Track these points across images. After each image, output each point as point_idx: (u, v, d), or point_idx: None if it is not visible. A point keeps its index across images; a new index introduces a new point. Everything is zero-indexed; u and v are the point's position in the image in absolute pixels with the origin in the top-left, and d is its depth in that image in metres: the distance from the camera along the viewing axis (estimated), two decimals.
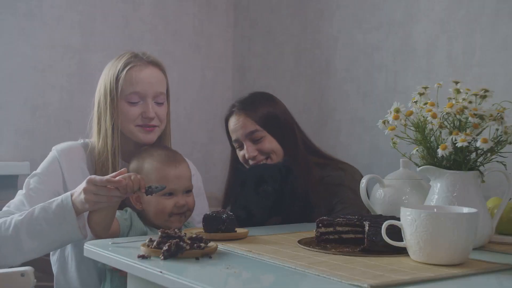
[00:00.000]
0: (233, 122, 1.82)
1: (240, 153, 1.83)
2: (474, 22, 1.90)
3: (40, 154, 2.37)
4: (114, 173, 1.38)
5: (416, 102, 1.35)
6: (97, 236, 1.40)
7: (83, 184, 1.37)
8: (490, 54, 1.85)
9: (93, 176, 1.36)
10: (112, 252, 1.18)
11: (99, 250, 1.22)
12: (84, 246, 1.27)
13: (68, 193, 1.41)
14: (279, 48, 2.68)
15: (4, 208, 1.54)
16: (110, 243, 1.26)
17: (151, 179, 1.49)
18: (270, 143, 1.79)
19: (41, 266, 1.79)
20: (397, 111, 1.33)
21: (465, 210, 1.13)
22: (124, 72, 1.59)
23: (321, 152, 1.90)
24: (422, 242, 1.06)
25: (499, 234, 1.39)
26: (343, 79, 2.35)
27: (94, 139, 1.65)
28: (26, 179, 1.59)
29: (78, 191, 1.38)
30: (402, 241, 1.11)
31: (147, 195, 1.38)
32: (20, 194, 1.57)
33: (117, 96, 1.59)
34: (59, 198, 1.41)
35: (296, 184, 1.66)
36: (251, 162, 1.79)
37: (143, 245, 1.17)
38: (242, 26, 2.91)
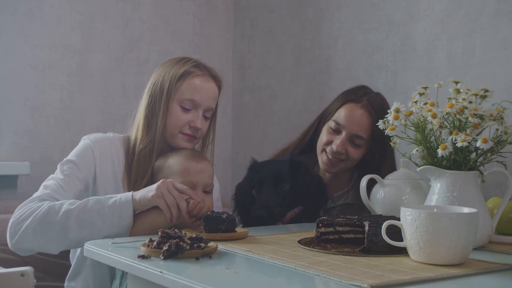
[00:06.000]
0: (354, 112, 1.78)
1: (325, 136, 1.82)
2: (474, 22, 1.90)
3: (40, 154, 2.38)
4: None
5: (416, 102, 1.35)
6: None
7: (157, 183, 1.42)
8: (490, 54, 1.85)
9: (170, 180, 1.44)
10: (112, 252, 1.18)
11: (99, 250, 1.21)
12: (85, 246, 1.27)
13: (129, 193, 1.44)
14: (279, 48, 2.68)
15: (44, 190, 1.50)
16: (110, 243, 1.26)
17: (173, 171, 1.53)
18: (358, 154, 1.81)
19: (41, 266, 1.79)
20: (397, 111, 1.33)
21: (465, 210, 1.13)
22: (190, 77, 1.64)
23: None
24: (422, 242, 1.06)
25: (499, 234, 1.40)
26: (343, 79, 2.35)
27: (135, 132, 1.66)
28: (59, 165, 1.57)
29: (144, 189, 1.43)
30: (402, 241, 1.11)
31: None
32: (53, 178, 1.54)
33: (173, 96, 1.63)
34: (118, 195, 1.44)
35: (308, 176, 1.68)
36: (330, 152, 1.79)
37: (143, 245, 1.17)
38: (242, 26, 2.91)
